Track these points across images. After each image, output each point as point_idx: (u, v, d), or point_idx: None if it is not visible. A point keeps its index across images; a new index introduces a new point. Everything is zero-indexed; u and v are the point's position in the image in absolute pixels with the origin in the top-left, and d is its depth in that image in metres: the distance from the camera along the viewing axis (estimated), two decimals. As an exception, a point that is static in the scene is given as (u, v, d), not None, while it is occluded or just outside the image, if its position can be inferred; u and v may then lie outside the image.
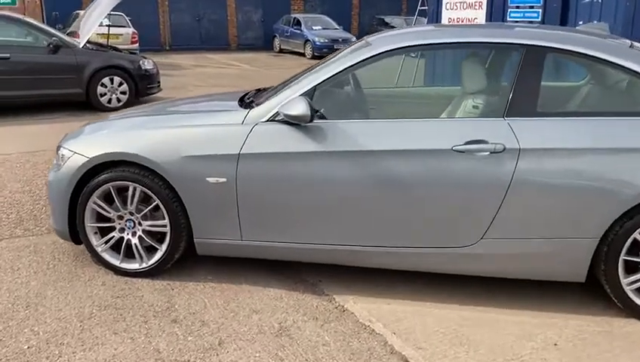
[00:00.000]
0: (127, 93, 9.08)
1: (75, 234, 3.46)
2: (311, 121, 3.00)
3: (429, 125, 3.05)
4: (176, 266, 3.49)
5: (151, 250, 3.40)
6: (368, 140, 3.02)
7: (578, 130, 2.88)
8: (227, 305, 3.15)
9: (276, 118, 3.12)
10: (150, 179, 3.23)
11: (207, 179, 3.16)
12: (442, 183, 2.96)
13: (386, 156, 2.99)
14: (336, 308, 3.15)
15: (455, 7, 10.11)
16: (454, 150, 2.92)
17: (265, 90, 3.74)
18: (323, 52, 20.35)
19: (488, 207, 2.95)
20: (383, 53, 3.12)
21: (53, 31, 8.82)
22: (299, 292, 3.30)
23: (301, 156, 3.06)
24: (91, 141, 3.42)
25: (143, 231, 3.37)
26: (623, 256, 2.92)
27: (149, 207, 3.30)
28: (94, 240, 3.43)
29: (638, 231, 2.86)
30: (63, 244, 3.79)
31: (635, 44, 3.20)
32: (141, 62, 9.28)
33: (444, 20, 10.41)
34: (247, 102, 3.46)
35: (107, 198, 3.36)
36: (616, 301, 3.01)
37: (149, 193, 3.26)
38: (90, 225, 3.40)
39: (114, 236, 3.41)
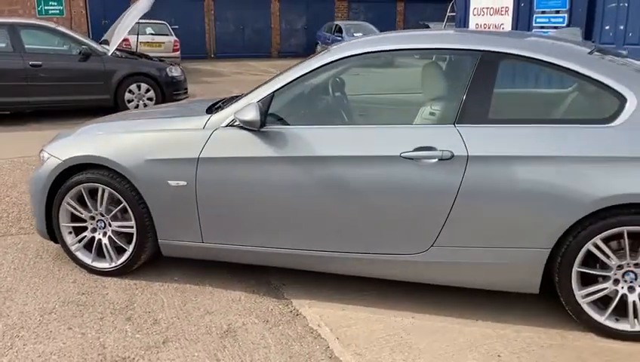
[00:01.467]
0: (154, 99, 9.37)
1: (54, 233, 3.63)
2: (262, 126, 3.06)
3: (381, 132, 3.04)
4: (147, 266, 3.61)
5: (120, 251, 3.52)
6: (321, 146, 3.04)
7: (530, 137, 2.82)
8: (184, 305, 3.23)
9: (234, 124, 3.19)
10: (118, 182, 3.36)
11: (169, 182, 3.25)
12: (391, 190, 2.95)
13: (337, 162, 3.00)
14: (290, 311, 3.17)
15: (482, 13, 9.98)
16: (402, 156, 2.91)
17: (240, 96, 3.81)
18: (363, 59, 20.36)
19: (437, 214, 2.91)
20: (337, 60, 3.15)
21: (83, 39, 9.22)
22: (258, 295, 3.35)
23: (256, 161, 3.12)
24: (67, 144, 3.58)
25: (113, 231, 3.50)
26: (576, 268, 2.83)
27: (117, 209, 3.43)
28: (69, 240, 3.58)
29: (591, 242, 2.77)
30: (49, 243, 3.96)
31: (604, 50, 3.11)
32: (168, 69, 9.57)
33: (472, 26, 10.29)
34: (215, 108, 3.54)
35: (80, 199, 3.51)
36: (571, 313, 2.91)
37: (117, 195, 3.39)
38: (64, 224, 3.56)
39: (86, 236, 3.56)
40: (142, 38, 17.39)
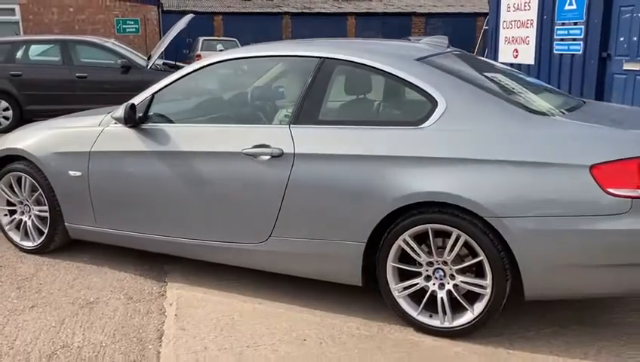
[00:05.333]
0: (188, 108, 10.08)
1: (-4, 215, 4.23)
2: (128, 123, 3.45)
3: (234, 130, 3.33)
4: (69, 247, 4.09)
5: (41, 232, 4.04)
6: (182, 143, 3.38)
7: (348, 137, 3.00)
8: (73, 281, 3.67)
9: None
10: (35, 171, 3.89)
11: (69, 172, 3.73)
12: (235, 183, 3.23)
13: (192, 157, 3.33)
14: (158, 292, 3.52)
15: (510, 26, 9.87)
16: (243, 153, 3.19)
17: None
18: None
19: (272, 207, 3.15)
20: (205, 66, 3.49)
21: (125, 53, 10.11)
22: (143, 278, 3.72)
23: (131, 155, 3.51)
24: (6, 138, 4.17)
25: (34, 215, 4.03)
26: (391, 262, 2.95)
27: (36, 195, 3.95)
28: (4, 221, 4.16)
29: (401, 238, 2.89)
30: (5, 225, 4.56)
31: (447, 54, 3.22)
32: (202, 81, 10.25)
33: (502, 38, 10.17)
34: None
35: (11, 186, 4.08)
36: (389, 306, 3.03)
37: (35, 183, 3.91)
38: (0, 207, 4.15)
39: (15, 218, 4.12)
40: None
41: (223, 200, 3.29)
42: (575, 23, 8.22)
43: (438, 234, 2.88)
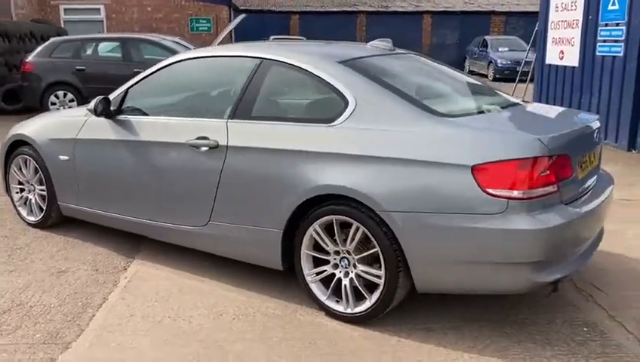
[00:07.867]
0: (235, 104, 10.60)
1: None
2: (99, 115, 3.87)
3: (184, 122, 3.65)
4: (65, 224, 4.61)
5: (42, 209, 4.58)
6: (143, 133, 3.77)
7: (271, 132, 3.25)
8: (57, 252, 4.16)
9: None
10: (36, 155, 4.43)
11: (60, 156, 4.23)
12: (181, 171, 3.57)
13: (149, 146, 3.70)
14: (123, 266, 3.93)
15: (558, 27, 9.62)
16: (188, 144, 3.52)
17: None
18: (505, 74, 20.09)
19: (209, 193, 3.46)
20: (167, 65, 3.86)
21: (180, 50, 10.77)
22: (117, 253, 4.14)
23: (104, 143, 3.94)
24: (20, 125, 4.76)
25: (37, 194, 4.58)
26: (304, 250, 3.18)
27: (37, 176, 4.49)
28: (15, 198, 4.75)
29: (312, 227, 3.11)
30: (25, 202, 5.17)
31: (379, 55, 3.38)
32: (250, 78, 10.73)
33: (549, 39, 9.90)
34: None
35: (21, 168, 4.65)
36: (304, 291, 3.25)
37: (37, 165, 4.45)
38: (13, 185, 4.74)
39: (23, 195, 4.69)
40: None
41: (173, 186, 3.63)
42: (617, 24, 7.91)
43: (345, 225, 3.06)
